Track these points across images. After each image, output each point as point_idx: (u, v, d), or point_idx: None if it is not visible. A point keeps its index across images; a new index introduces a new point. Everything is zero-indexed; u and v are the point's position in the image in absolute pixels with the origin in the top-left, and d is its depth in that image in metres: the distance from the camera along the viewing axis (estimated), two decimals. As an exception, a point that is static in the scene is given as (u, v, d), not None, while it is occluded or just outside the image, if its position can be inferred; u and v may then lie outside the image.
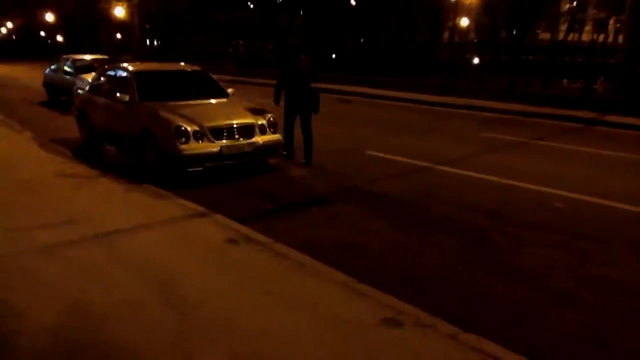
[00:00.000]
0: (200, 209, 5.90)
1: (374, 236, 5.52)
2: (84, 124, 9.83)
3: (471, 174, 8.11)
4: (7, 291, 3.92)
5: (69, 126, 10.88)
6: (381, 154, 9.38)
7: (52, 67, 17.13)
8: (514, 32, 33.94)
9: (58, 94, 15.69)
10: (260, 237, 5.07)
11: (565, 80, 22.83)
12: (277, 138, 8.12)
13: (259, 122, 7.95)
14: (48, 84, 16.87)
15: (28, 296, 3.86)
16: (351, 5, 37.81)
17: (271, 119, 8.14)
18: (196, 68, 9.65)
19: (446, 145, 10.45)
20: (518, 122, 13.98)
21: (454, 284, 4.46)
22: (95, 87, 9.65)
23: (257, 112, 8.21)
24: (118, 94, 8.19)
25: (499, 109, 15.40)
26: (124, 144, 8.54)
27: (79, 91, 10.25)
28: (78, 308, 3.69)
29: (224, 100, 8.78)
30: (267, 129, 8.01)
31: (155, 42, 52.31)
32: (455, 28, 43.12)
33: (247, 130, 7.77)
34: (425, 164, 8.69)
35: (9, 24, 69.28)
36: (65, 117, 12.18)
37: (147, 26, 49.35)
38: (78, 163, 8.04)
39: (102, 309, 3.68)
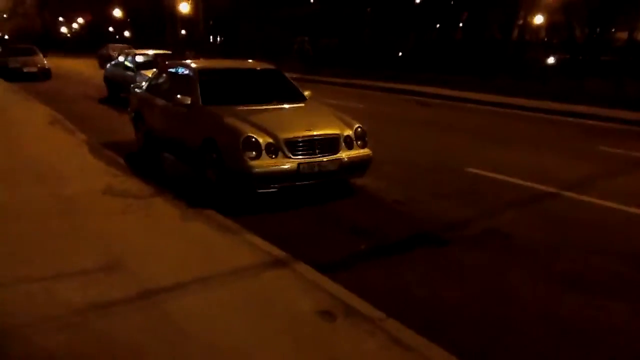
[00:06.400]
0: (277, 252, 4.47)
1: (523, 302, 3.93)
2: (140, 127, 8.67)
3: (610, 204, 6.34)
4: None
5: (125, 127, 9.78)
6: (485, 173, 7.71)
7: (113, 62, 16.31)
8: (597, 31, 31.15)
9: (118, 90, 14.77)
10: (365, 308, 3.57)
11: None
12: (366, 153, 6.59)
13: (345, 134, 6.47)
14: (108, 79, 16.05)
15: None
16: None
17: (359, 129, 6.64)
18: (268, 66, 8.28)
19: (561, 162, 8.64)
20: (637, 133, 11.90)
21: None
22: (153, 86, 8.45)
23: (342, 120, 6.75)
24: (178, 96, 6.90)
25: (609, 117, 13.25)
26: (184, 155, 7.26)
27: (136, 90, 9.09)
28: None
29: (301, 105, 7.35)
30: (354, 142, 6.52)
31: (218, 38, 51.89)
32: (527, 26, 40.41)
33: (330, 144, 6.31)
34: (546, 188, 6.97)
35: (80, 20, 70.99)
36: (123, 116, 11.11)
37: (211, 22, 48.92)
38: (130, 176, 6.81)
39: None
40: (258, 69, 8.16)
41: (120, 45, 33.86)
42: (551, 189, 6.91)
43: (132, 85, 9.71)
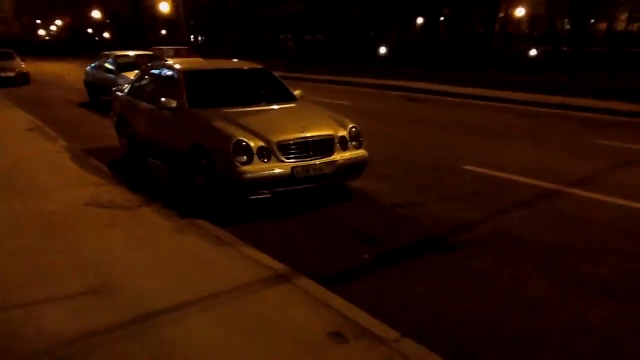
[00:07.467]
0: (278, 265, 4.18)
1: (551, 314, 3.68)
2: (124, 132, 8.30)
3: (615, 200, 6.12)
4: None
5: (108, 131, 9.41)
6: (485, 170, 7.47)
7: (93, 64, 15.83)
8: (580, 22, 31.15)
9: (99, 94, 14.31)
10: (377, 327, 3.28)
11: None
12: (361, 154, 6.31)
13: (339, 134, 6.18)
14: (89, 82, 15.57)
15: None
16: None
17: (353, 129, 6.36)
18: (255, 65, 7.97)
19: (561, 157, 8.43)
20: (634, 125, 11.74)
21: None
22: (136, 89, 8.09)
23: (336, 120, 6.47)
24: (163, 99, 6.58)
25: (604, 109, 13.05)
26: (171, 161, 6.94)
27: (118, 93, 8.72)
28: None
29: (292, 105, 7.04)
30: (349, 143, 6.24)
31: (199, 38, 51.22)
32: (509, 19, 40.45)
33: (324, 146, 6.02)
34: (549, 185, 6.74)
35: (58, 22, 69.90)
36: (105, 120, 10.73)
37: (192, 22, 48.32)
38: (115, 185, 6.46)
39: None
40: (245, 68, 7.84)
41: (175, 47, 27.84)
42: (554, 186, 6.68)
43: (113, 89, 9.33)
